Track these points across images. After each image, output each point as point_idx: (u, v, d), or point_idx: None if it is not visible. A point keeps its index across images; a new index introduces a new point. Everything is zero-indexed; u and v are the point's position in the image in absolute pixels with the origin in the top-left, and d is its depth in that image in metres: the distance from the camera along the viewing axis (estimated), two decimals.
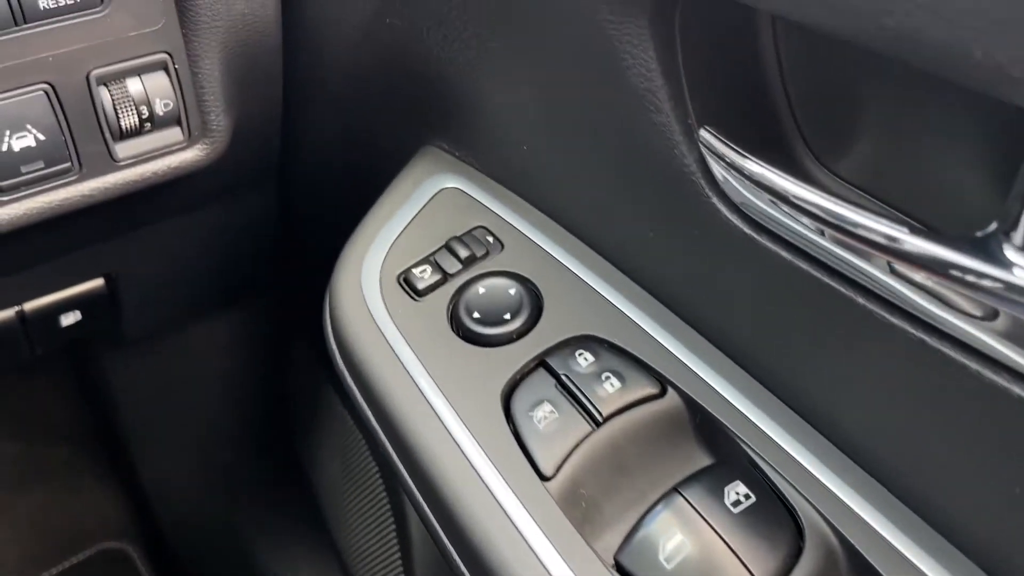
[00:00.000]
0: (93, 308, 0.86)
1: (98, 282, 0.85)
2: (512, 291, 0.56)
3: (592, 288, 0.56)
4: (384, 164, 0.69)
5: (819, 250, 0.42)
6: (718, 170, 0.46)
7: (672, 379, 0.50)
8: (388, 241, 0.61)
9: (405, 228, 0.62)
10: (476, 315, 0.55)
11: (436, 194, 0.64)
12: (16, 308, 0.81)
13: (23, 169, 0.58)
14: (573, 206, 0.58)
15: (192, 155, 0.65)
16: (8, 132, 0.56)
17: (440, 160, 0.66)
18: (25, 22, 0.53)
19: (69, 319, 0.86)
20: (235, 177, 0.78)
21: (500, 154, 0.62)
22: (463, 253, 0.59)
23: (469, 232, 0.61)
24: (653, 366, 0.51)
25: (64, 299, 0.84)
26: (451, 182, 0.64)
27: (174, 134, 0.64)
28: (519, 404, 0.50)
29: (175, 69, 0.61)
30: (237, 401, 1.20)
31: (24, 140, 0.57)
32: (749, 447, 0.47)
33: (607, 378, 0.50)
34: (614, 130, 0.50)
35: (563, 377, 0.51)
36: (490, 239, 0.60)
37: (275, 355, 1.19)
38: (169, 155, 0.64)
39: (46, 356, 0.89)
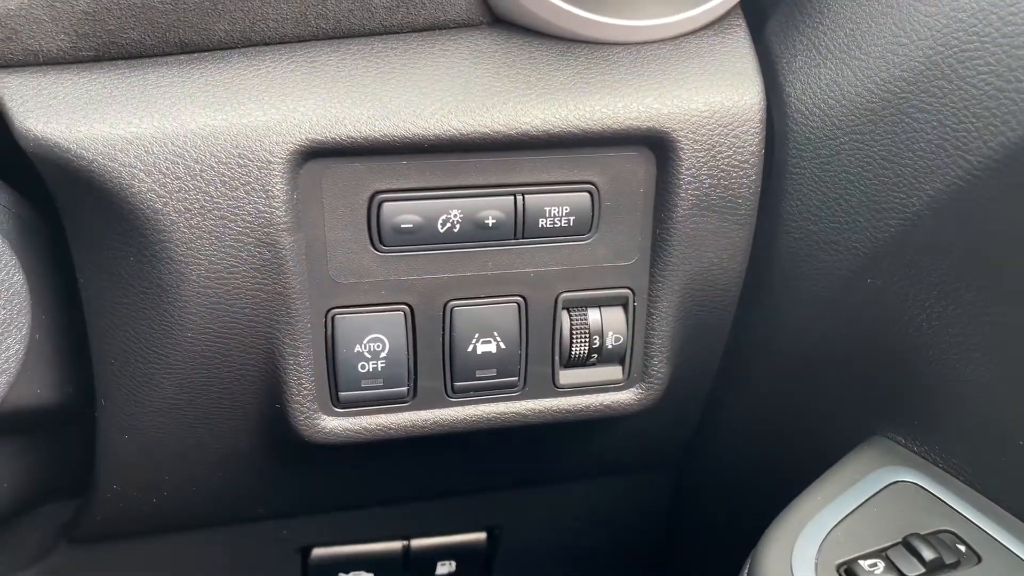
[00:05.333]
0: (469, 561, 0.84)
1: (480, 535, 0.84)
2: None
3: None
4: (814, 455, 0.63)
5: None
6: None
7: None
8: (826, 526, 0.54)
9: (847, 516, 0.55)
10: None
11: (885, 487, 0.57)
12: (404, 541, 0.82)
13: (478, 374, 0.60)
14: None
15: (626, 397, 0.64)
16: (478, 335, 0.59)
17: (891, 452, 0.60)
18: (523, 237, 0.58)
19: (445, 568, 0.84)
20: (651, 438, 0.75)
21: (976, 448, 0.54)
22: (928, 555, 0.51)
23: (933, 533, 0.52)
24: None
25: (447, 545, 0.83)
26: (905, 475, 0.57)
27: (615, 371, 0.63)
28: None
29: (633, 306, 0.62)
30: None
31: (487, 346, 0.60)
32: None
33: None
34: None
35: None
36: (961, 548, 0.51)
37: None
38: (605, 392, 0.63)
39: None
